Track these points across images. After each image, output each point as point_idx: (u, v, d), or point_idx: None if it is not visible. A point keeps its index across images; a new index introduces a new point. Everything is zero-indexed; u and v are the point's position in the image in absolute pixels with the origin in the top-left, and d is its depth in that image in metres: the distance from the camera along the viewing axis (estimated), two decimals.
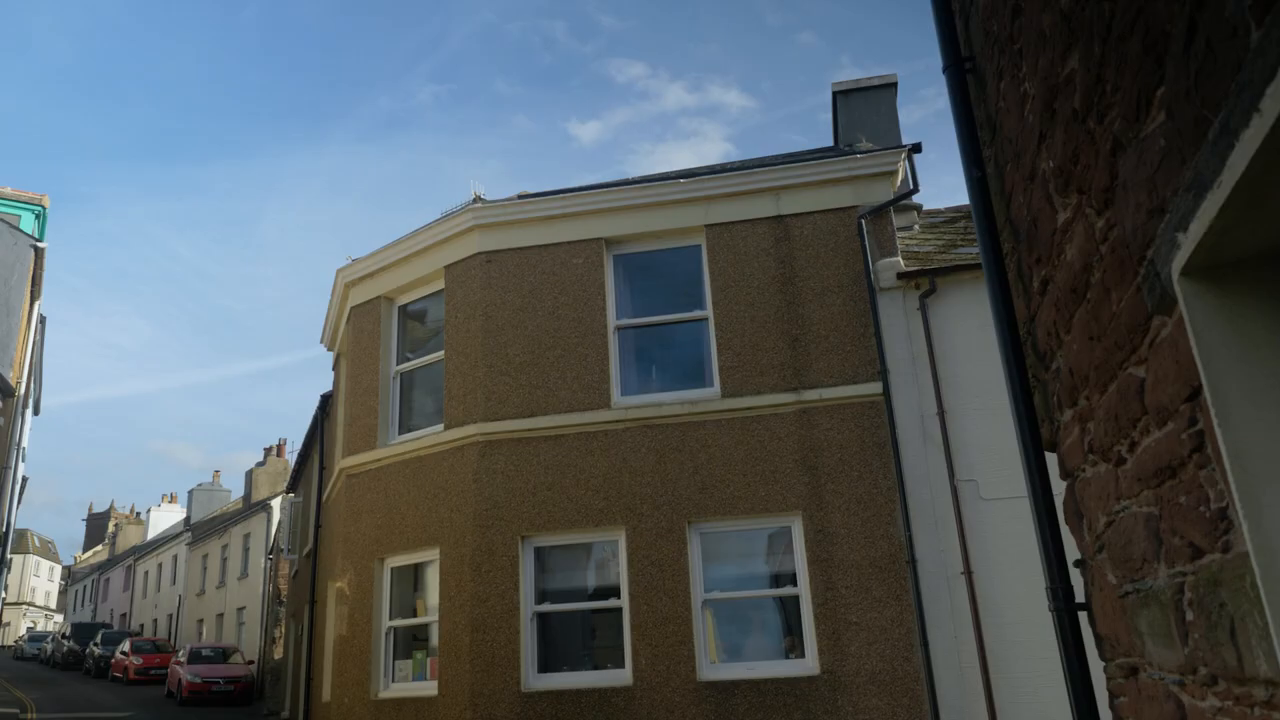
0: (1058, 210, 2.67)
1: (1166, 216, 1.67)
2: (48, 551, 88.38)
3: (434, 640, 11.03)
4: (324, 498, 14.69)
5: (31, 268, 13.73)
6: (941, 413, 9.93)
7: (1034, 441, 3.17)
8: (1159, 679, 2.29)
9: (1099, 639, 2.89)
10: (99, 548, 72.00)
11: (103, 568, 61.98)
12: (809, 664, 9.47)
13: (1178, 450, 1.89)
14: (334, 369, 15.20)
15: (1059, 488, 3.35)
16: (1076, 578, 3.27)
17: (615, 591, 10.11)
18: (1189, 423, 1.80)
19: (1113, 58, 1.90)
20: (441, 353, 11.61)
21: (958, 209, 14.09)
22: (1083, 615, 3.19)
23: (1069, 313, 2.71)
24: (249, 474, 41.15)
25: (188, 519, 50.72)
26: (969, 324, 10.22)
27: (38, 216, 15.88)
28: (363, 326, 12.65)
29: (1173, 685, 2.18)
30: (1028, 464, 3.17)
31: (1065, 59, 2.33)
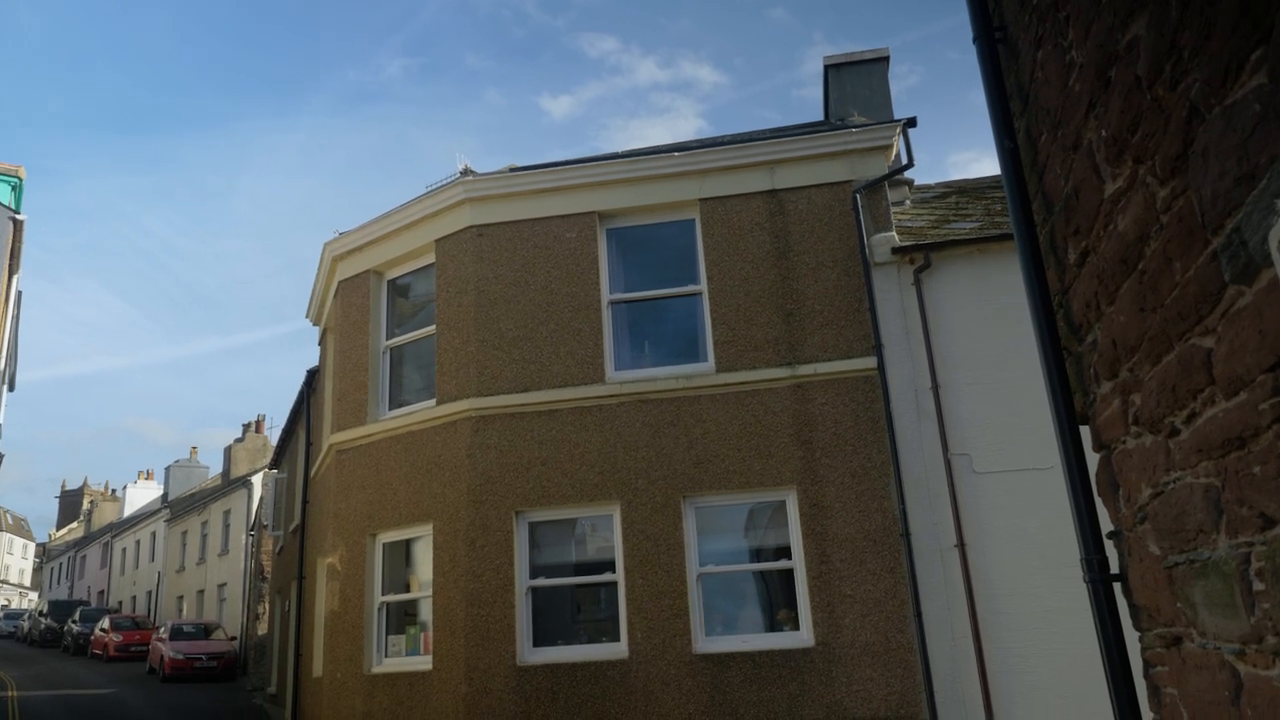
0: (1106, 181, 2.65)
1: (1261, 183, 1.65)
2: (20, 529, 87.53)
3: (423, 615, 11.02)
4: (312, 474, 14.58)
5: (10, 240, 13.46)
6: (935, 387, 9.97)
7: (1069, 414, 3.17)
8: (1212, 649, 2.30)
9: (1135, 609, 2.90)
10: (74, 525, 71.30)
11: (79, 545, 61.43)
12: (803, 636, 9.54)
13: (1252, 421, 1.88)
14: (320, 344, 15.05)
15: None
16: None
17: (610, 566, 10.13)
18: (1270, 393, 1.78)
19: (1194, 21, 1.86)
20: (432, 327, 11.51)
21: (948, 184, 14.10)
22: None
23: (1114, 284, 2.69)
24: (228, 450, 40.81)
25: (165, 496, 50.29)
26: (963, 299, 10.26)
27: (14, 188, 15.53)
28: (351, 301, 12.51)
29: (1229, 655, 2.19)
30: (1062, 437, 3.17)
31: (1127, 25, 2.30)
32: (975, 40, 3.64)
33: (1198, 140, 1.93)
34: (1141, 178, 2.34)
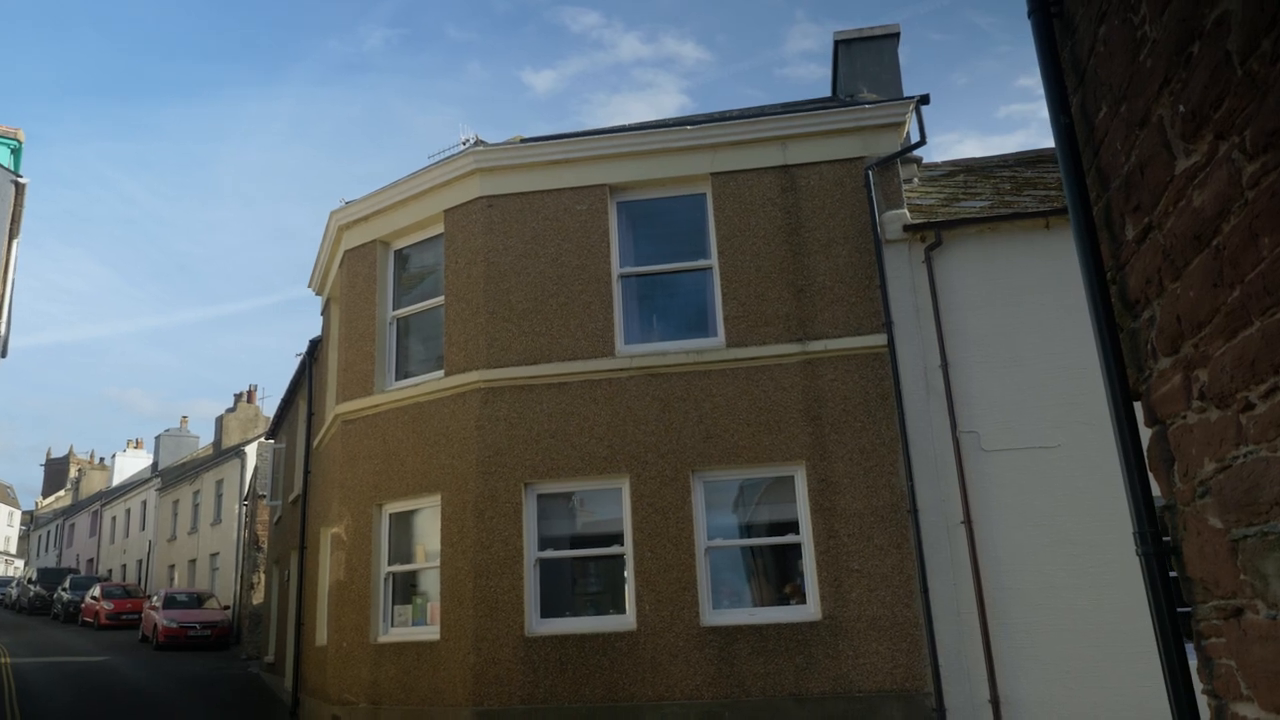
0: (1178, 156, 2.66)
1: None
2: (6, 496, 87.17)
3: (425, 586, 11.07)
4: (315, 444, 14.56)
5: (12, 204, 13.31)
6: (945, 365, 10.02)
7: (1123, 390, 3.20)
8: None
9: (1189, 582, 2.95)
10: (61, 493, 71.11)
11: (67, 513, 61.28)
12: (810, 610, 9.64)
13: None
14: (323, 313, 14.99)
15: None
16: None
17: (619, 538, 10.18)
18: None
19: None
20: (440, 298, 11.48)
21: (955, 163, 14.09)
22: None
23: (1182, 260, 2.71)
24: (219, 420, 40.71)
25: (155, 465, 50.17)
26: (974, 277, 10.29)
27: (14, 151, 15.34)
28: (357, 270, 12.45)
29: None
30: (1116, 411, 3.20)
31: (1215, 0, 2.30)
32: (1030, 14, 3.63)
33: None
34: (1225, 153, 2.35)
